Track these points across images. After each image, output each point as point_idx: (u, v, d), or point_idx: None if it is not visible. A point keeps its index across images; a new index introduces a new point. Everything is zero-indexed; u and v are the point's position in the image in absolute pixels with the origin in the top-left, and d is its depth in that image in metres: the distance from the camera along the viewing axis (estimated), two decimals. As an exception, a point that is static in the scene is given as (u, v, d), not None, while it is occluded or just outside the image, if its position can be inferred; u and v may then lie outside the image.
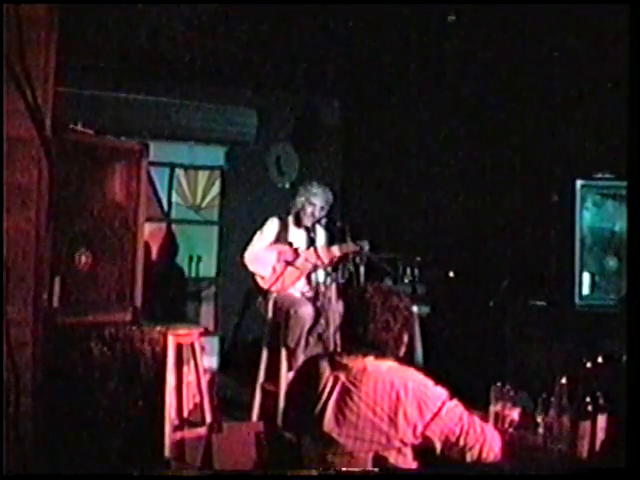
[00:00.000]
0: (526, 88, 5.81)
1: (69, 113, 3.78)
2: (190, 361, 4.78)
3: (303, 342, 5.48)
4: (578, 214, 5.01)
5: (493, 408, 3.30)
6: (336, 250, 5.72)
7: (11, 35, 3.02)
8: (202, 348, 4.91)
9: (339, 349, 3.10)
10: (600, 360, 3.94)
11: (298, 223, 5.81)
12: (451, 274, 6.02)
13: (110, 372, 4.34)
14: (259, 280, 5.68)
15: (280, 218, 5.80)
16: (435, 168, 6.76)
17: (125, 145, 4.11)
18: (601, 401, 3.05)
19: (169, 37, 5.73)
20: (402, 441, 2.82)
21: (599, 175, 5.04)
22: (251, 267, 5.66)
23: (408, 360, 3.08)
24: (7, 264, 3.03)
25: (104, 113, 6.45)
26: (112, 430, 4.28)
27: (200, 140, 7.51)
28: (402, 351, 3.02)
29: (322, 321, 5.50)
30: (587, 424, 3.02)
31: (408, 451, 2.86)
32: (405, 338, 3.02)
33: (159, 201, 7.52)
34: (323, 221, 5.80)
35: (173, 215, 7.63)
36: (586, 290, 5.02)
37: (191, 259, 7.64)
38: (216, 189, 7.82)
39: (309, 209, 5.74)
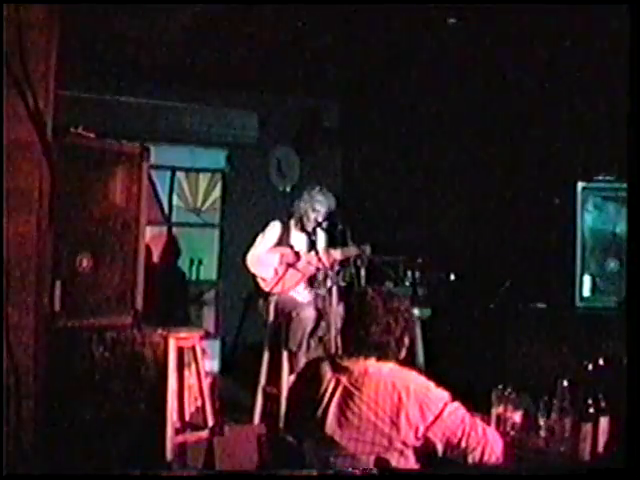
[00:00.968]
0: (526, 91, 5.82)
1: (70, 116, 3.77)
2: (191, 364, 4.79)
3: (304, 345, 5.48)
4: (579, 216, 5.00)
5: (495, 410, 3.30)
6: (337, 253, 5.73)
7: (12, 39, 3.02)
8: (203, 351, 4.91)
9: (340, 352, 3.10)
10: (601, 362, 3.93)
11: (300, 227, 5.81)
12: (452, 277, 6.01)
13: (111, 376, 4.34)
14: (261, 282, 5.68)
15: (282, 221, 5.80)
16: (436, 171, 6.76)
17: (126, 148, 4.10)
18: (602, 403, 3.05)
19: (170, 40, 5.74)
20: (404, 443, 2.82)
21: (600, 177, 5.04)
22: (253, 269, 5.66)
23: (409, 362, 3.08)
24: (8, 268, 3.04)
25: (105, 116, 6.45)
26: (114, 433, 4.28)
27: (201, 143, 7.52)
28: (403, 353, 3.02)
29: (323, 324, 5.51)
30: (589, 426, 3.02)
31: (410, 453, 2.85)
32: (406, 340, 3.02)
33: (160, 204, 7.52)
34: (324, 224, 5.80)
35: (174, 218, 7.64)
36: (587, 292, 5.02)
37: (192, 262, 7.65)
38: (217, 192, 7.82)
39: (312, 215, 5.73)
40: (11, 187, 3.05)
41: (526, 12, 4.81)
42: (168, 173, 7.57)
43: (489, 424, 3.15)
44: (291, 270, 5.66)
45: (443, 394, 2.90)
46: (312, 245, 5.74)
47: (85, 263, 3.86)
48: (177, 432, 4.60)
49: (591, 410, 3.03)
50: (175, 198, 7.64)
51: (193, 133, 7.28)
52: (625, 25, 3.05)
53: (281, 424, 3.24)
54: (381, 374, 2.90)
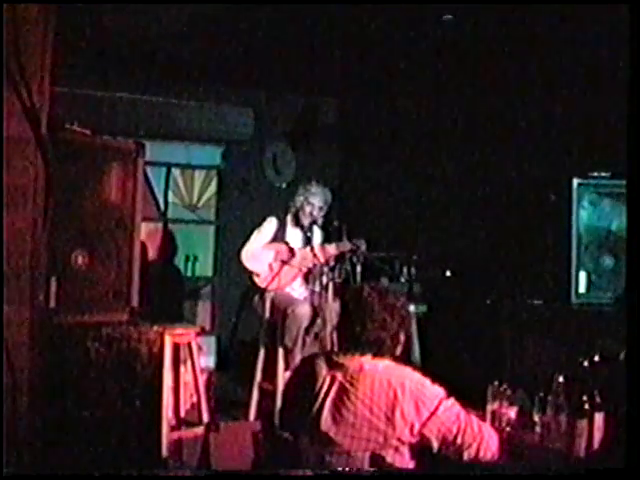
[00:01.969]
0: (523, 87, 5.82)
1: (65, 113, 3.77)
2: (187, 361, 4.79)
3: (300, 341, 5.48)
4: (574, 213, 5.00)
5: (490, 407, 3.30)
6: (332, 249, 5.73)
7: (7, 35, 3.01)
8: (199, 348, 4.91)
9: (336, 348, 3.10)
10: (597, 358, 3.93)
11: (296, 222, 5.81)
12: (448, 273, 6.02)
13: (107, 372, 4.33)
14: (256, 278, 5.68)
15: (278, 217, 5.80)
16: (431, 167, 6.76)
17: (121, 145, 4.08)
18: (598, 399, 3.05)
19: (165, 36, 5.73)
20: (399, 440, 2.82)
21: (595, 174, 5.05)
22: (248, 265, 5.66)
23: (405, 359, 3.08)
24: (3, 264, 3.03)
25: (100, 113, 6.45)
26: (109, 430, 4.27)
27: (196, 139, 7.51)
28: (399, 350, 3.02)
29: (319, 320, 5.50)
30: (584, 423, 3.02)
31: (405, 450, 2.86)
32: (402, 337, 3.02)
33: (155, 201, 7.52)
34: (320, 220, 5.80)
35: (170, 215, 7.63)
36: (582, 289, 5.02)
37: (188, 259, 7.65)
38: (212, 188, 7.82)
39: (307, 208, 5.74)
40: (6, 183, 3.04)
41: (524, 9, 4.81)
42: (164, 169, 7.56)
43: (484, 420, 3.15)
44: (286, 267, 5.66)
45: (438, 391, 2.90)
46: (308, 241, 5.75)
47: (80, 259, 3.85)
48: (172, 428, 4.60)
49: (586, 406, 3.03)
50: (170, 195, 7.64)
51: (189, 129, 7.27)
52: (624, 24, 3.05)
53: (276, 421, 3.22)
54: (377, 371, 2.90)
